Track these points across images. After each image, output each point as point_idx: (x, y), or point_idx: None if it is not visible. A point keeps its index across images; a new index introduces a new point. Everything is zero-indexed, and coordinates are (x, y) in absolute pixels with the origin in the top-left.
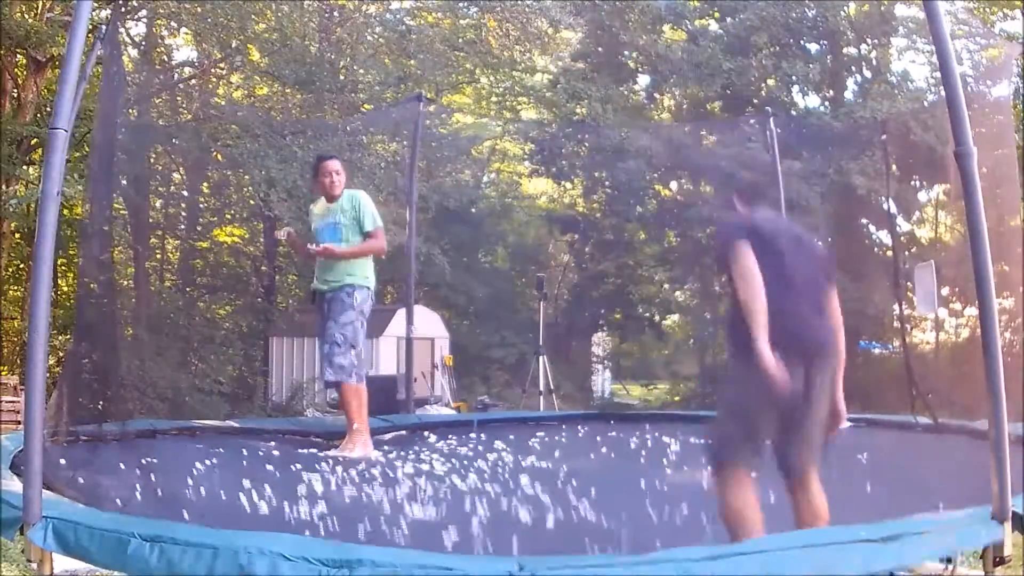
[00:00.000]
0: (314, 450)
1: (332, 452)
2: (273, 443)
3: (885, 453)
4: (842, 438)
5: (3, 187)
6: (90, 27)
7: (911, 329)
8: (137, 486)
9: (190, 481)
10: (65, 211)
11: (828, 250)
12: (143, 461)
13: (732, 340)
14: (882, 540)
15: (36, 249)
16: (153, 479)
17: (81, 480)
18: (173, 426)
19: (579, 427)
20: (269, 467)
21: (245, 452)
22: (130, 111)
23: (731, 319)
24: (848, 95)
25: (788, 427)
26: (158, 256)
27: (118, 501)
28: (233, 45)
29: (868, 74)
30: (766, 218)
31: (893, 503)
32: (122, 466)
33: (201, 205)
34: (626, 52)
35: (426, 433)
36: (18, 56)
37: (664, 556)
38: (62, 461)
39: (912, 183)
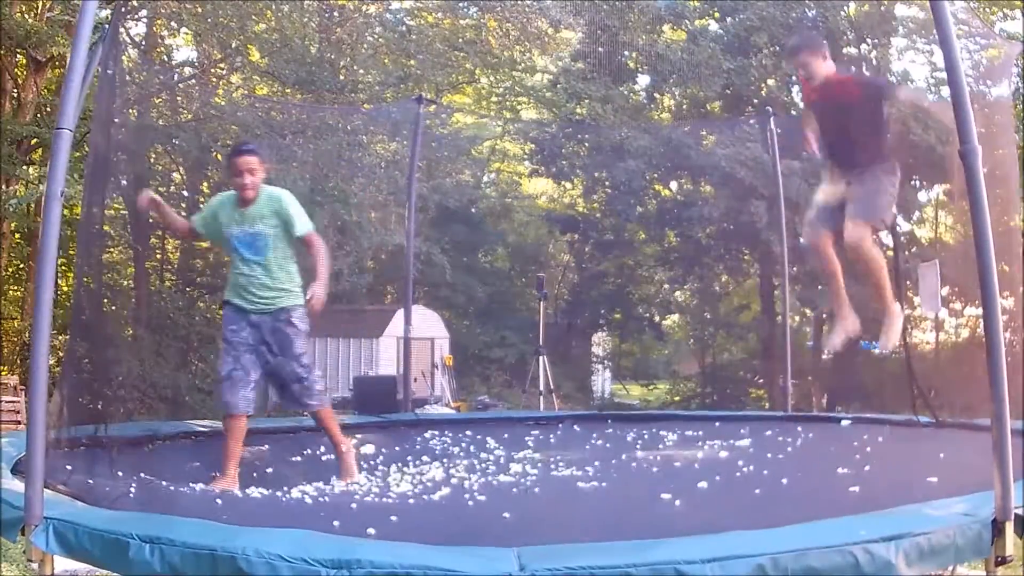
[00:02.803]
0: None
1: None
2: (268, 445)
3: (885, 450)
4: (843, 435)
5: (3, 187)
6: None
7: (911, 329)
8: (133, 484)
9: (187, 478)
10: (65, 211)
11: None
12: (140, 460)
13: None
14: (882, 540)
15: (40, 249)
16: (150, 476)
17: (82, 478)
18: (171, 427)
19: (576, 426)
20: (266, 464)
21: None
22: (130, 111)
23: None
24: None
25: None
26: (158, 256)
27: (113, 499)
28: (233, 45)
29: (868, 74)
30: None
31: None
32: (119, 466)
33: (201, 205)
34: (626, 52)
35: (424, 431)
36: (18, 56)
37: (661, 554)
38: (64, 463)
39: (912, 183)
